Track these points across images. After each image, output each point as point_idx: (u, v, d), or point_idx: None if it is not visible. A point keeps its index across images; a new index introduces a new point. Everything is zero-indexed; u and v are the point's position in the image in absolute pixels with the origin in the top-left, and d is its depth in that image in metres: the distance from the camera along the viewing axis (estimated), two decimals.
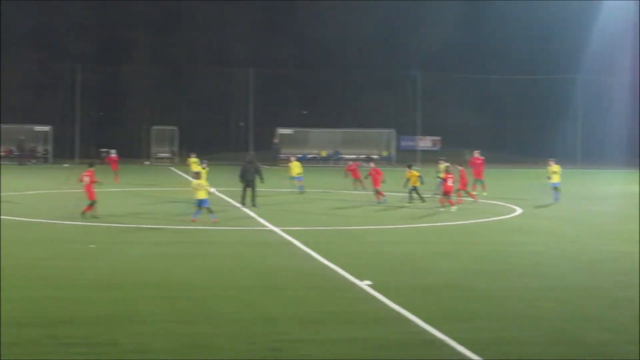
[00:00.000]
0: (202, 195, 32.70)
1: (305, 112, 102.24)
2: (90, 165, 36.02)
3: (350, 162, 54.55)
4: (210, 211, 32.79)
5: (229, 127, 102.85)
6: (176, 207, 38.99)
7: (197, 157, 55.58)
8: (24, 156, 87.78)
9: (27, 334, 15.26)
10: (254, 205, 39.31)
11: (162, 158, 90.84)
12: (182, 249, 26.43)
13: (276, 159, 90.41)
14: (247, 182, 39.93)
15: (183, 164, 51.21)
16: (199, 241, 28.37)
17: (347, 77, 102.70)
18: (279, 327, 16.08)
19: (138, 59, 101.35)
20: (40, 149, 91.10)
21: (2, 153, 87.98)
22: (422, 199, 41.65)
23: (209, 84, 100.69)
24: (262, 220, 34.07)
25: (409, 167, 43.91)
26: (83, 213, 33.65)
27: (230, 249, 26.61)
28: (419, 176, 42.55)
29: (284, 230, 30.51)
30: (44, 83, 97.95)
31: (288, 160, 52.80)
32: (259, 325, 16.14)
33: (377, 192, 43.24)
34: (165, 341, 14.98)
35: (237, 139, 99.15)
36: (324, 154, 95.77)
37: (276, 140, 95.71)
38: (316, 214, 37.96)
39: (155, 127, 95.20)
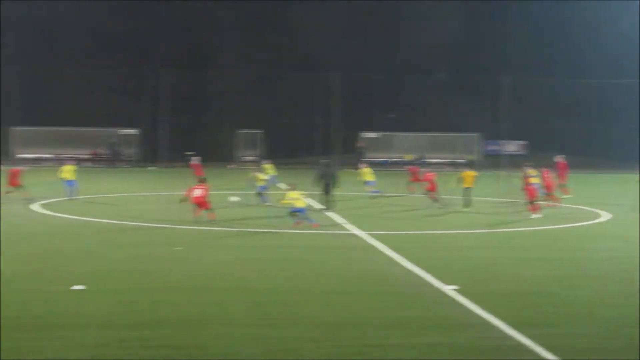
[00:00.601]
0: (300, 204, 33.21)
1: (391, 116, 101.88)
2: (202, 181, 36.14)
3: (410, 166, 53.74)
4: (302, 217, 33.08)
5: (313, 131, 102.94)
6: (259, 212, 39.14)
7: (270, 163, 56.23)
8: (114, 159, 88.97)
9: (116, 335, 15.47)
10: (330, 208, 39.53)
11: (247, 162, 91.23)
12: (267, 253, 26.51)
13: (360, 163, 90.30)
14: (325, 186, 40.17)
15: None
16: (285, 245, 28.45)
17: (433, 81, 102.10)
18: (365, 331, 16.08)
19: (224, 63, 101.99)
20: (127, 152, 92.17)
21: (87, 156, 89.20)
22: (468, 204, 41.34)
23: (295, 87, 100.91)
24: (346, 225, 34.06)
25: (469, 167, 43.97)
26: (195, 218, 34.03)
27: (316, 253, 26.63)
28: (475, 176, 42.54)
29: (367, 235, 30.48)
30: (131, 86, 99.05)
31: (365, 165, 52.35)
32: (346, 330, 16.16)
33: (430, 194, 43.23)
34: (251, 345, 15.06)
35: (322, 143, 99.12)
36: (409, 157, 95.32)
37: (361, 144, 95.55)
38: (400, 219, 37.82)
39: (240, 131, 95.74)
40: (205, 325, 16.38)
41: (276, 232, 31.53)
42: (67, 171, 45.09)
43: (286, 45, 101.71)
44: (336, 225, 34.47)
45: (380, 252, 26.33)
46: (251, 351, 14.71)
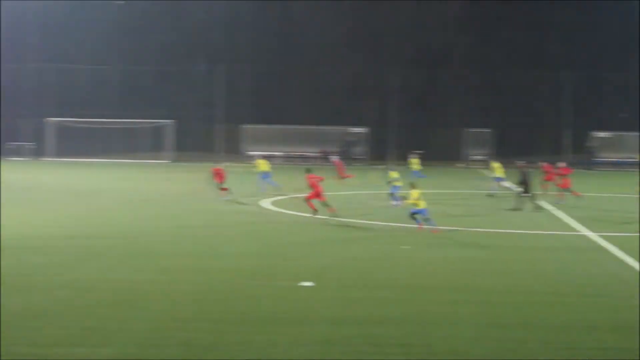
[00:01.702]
0: (421, 204, 30.81)
1: (624, 115, 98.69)
2: (308, 171, 36.54)
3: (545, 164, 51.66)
4: (423, 219, 30.97)
5: (543, 131, 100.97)
6: (483, 209, 38.74)
7: (417, 157, 56.22)
8: (344, 157, 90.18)
9: (342, 332, 15.52)
10: (536, 209, 39.10)
11: (476, 161, 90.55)
12: (493, 253, 26.19)
13: (590, 163, 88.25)
14: (526, 187, 39.58)
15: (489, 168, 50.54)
16: (510, 246, 28.00)
17: None
18: (598, 335, 15.56)
19: (454, 61, 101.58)
20: (356, 150, 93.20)
21: (316, 154, 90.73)
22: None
23: (525, 86, 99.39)
24: (573, 224, 33.24)
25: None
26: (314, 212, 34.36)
27: (544, 254, 26.08)
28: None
29: (598, 236, 29.60)
30: (360, 85, 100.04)
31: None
32: (577, 333, 15.69)
33: (564, 192, 43.41)
34: (478, 345, 14.83)
35: (552, 142, 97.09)
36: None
37: (592, 144, 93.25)
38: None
39: (469, 130, 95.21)
40: (432, 324, 16.24)
41: (495, 232, 31.09)
42: (262, 165, 48.14)
43: (515, 42, 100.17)
44: (553, 225, 33.67)
45: (611, 254, 25.47)
46: (478, 352, 14.47)
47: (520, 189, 39.90)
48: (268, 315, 16.68)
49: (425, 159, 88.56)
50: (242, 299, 18.31)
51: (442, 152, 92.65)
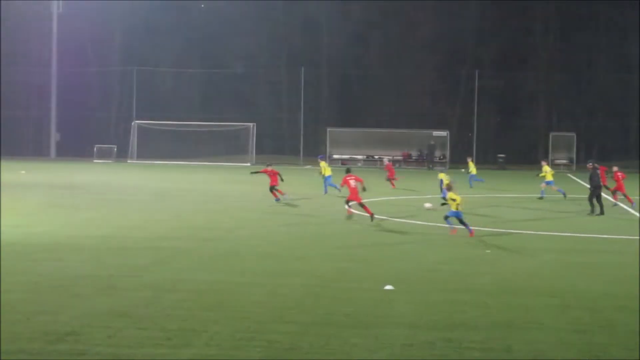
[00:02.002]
0: (455, 207, 29.87)
1: None
2: (348, 171, 36.46)
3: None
4: (462, 222, 30.04)
5: (629, 134, 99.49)
6: (566, 214, 38.29)
7: (473, 160, 56.07)
8: (427, 161, 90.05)
9: (423, 335, 15.44)
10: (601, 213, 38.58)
11: (560, 165, 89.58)
12: (578, 257, 25.86)
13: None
14: (594, 189, 39.00)
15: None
16: (596, 250, 27.66)
17: None
18: None
19: (536, 64, 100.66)
20: (438, 154, 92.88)
21: (399, 157, 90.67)
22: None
23: (609, 89, 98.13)
24: None
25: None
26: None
27: (622, 258, 25.69)
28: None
29: None
30: (442, 88, 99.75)
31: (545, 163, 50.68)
32: None
33: (626, 197, 42.84)
34: (559, 350, 14.64)
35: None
36: None
37: None
38: None
39: (553, 134, 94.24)
40: (514, 328, 16.07)
41: (586, 237, 30.68)
42: (325, 168, 48.37)
43: (600, 45, 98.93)
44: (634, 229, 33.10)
45: None
46: (558, 355, 14.28)
47: (593, 192, 39.27)
48: (349, 318, 16.66)
49: (507, 162, 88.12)
50: (324, 301, 18.33)
51: (523, 156, 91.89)
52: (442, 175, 40.28)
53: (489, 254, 25.87)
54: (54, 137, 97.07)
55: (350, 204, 35.29)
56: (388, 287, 19.75)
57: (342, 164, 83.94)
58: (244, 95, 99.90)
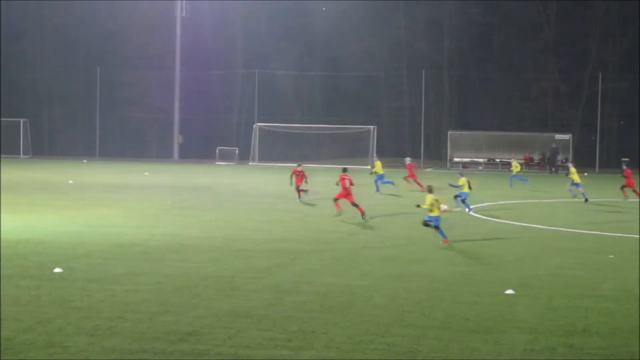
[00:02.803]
0: (435, 212, 28.17)
1: None
2: (344, 170, 37.24)
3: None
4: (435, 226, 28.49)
5: None
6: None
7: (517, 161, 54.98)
8: (550, 164, 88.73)
9: (544, 341, 15.30)
10: None
11: None
12: None
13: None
14: None
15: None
16: None
17: None
18: None
19: None
20: (560, 157, 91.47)
21: (521, 161, 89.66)
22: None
23: None
24: None
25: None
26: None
27: None
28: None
29: None
30: (565, 91, 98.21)
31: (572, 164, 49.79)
32: None
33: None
34: None
35: None
36: None
37: None
38: None
39: None
40: (637, 335, 15.76)
41: None
42: (378, 166, 50.06)
43: None
44: None
45: None
46: None
47: None
48: (469, 322, 16.60)
49: (633, 166, 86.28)
50: (444, 305, 18.29)
51: None
52: (461, 180, 39.79)
53: (612, 259, 25.42)
54: (177, 139, 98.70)
55: (338, 201, 36.63)
56: (509, 291, 19.60)
57: (463, 167, 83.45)
58: (365, 98, 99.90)
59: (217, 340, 15.06)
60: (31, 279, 20.38)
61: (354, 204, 35.47)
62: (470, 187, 38.66)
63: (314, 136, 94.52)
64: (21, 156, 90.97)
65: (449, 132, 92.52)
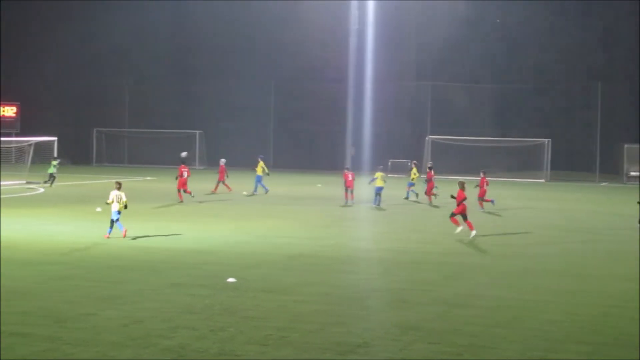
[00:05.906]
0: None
1: None
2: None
3: None
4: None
5: None
6: None
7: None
8: None
9: None
10: None
11: None
12: None
13: None
14: None
15: None
16: None
17: None
18: None
19: None
20: None
21: None
22: None
23: None
24: None
25: None
26: None
27: None
28: None
29: None
30: None
31: None
32: None
33: None
34: None
35: None
36: None
37: None
38: None
39: None
40: None
41: None
42: (379, 179, 48.33)
43: None
44: None
45: None
46: None
47: None
48: None
49: None
50: (618, 322, 17.83)
51: None
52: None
53: None
54: (349, 150, 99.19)
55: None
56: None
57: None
58: (538, 111, 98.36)
59: (386, 352, 15.04)
60: (204, 287, 20.81)
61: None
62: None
63: (485, 149, 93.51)
64: (197, 166, 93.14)
65: (625, 146, 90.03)
